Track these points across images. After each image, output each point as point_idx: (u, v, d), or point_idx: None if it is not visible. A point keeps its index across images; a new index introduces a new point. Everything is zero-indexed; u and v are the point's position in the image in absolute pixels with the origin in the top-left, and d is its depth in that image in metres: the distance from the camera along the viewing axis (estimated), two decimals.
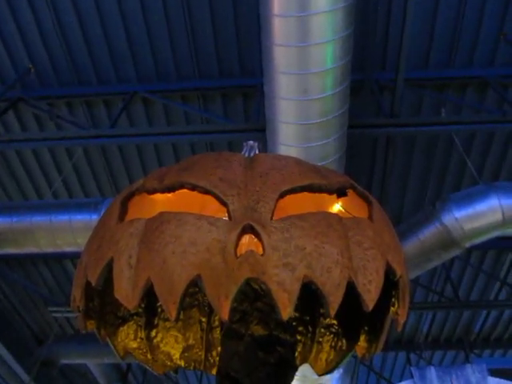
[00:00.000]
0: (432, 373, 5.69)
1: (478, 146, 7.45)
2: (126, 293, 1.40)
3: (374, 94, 6.68)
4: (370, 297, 1.40)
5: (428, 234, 6.08)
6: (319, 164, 5.00)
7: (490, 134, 7.30)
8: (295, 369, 1.77)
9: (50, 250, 6.74)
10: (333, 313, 1.33)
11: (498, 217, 5.77)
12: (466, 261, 8.99)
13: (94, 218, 6.19)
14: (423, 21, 6.35)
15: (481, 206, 5.80)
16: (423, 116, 7.05)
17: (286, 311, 1.29)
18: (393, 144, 6.50)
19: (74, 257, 8.98)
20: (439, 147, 7.47)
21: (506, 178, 7.60)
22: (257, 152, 2.15)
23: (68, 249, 6.63)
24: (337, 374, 7.45)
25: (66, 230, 6.37)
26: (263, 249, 1.35)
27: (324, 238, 1.38)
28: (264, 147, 5.56)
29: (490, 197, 5.81)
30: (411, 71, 6.55)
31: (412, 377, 5.78)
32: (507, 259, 9.11)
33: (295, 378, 1.81)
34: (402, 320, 1.68)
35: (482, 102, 7.03)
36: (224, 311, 1.29)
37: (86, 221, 6.25)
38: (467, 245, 6.07)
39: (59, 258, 9.16)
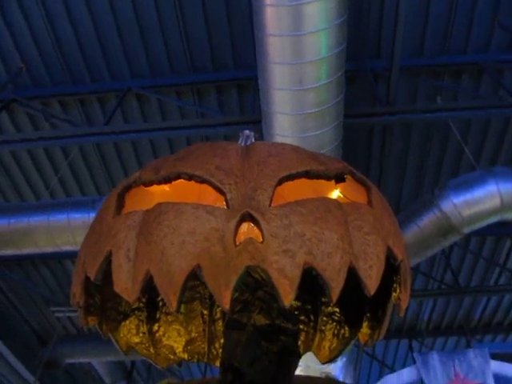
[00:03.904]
0: (435, 358, 5.72)
1: (474, 132, 7.44)
2: (126, 286, 1.39)
3: (369, 82, 6.65)
4: (371, 282, 1.39)
5: (427, 221, 6.08)
6: (320, 152, 4.99)
7: (486, 120, 7.29)
8: (298, 357, 1.76)
9: (49, 249, 6.72)
10: (335, 298, 1.32)
11: (497, 202, 5.77)
12: (465, 247, 9.00)
13: (92, 216, 6.11)
14: (417, 8, 6.32)
15: (479, 192, 5.80)
16: (419, 104, 7.03)
17: (288, 298, 1.27)
18: (389, 133, 6.49)
19: (74, 256, 8.92)
20: (436, 134, 7.46)
21: (503, 163, 7.60)
22: (253, 141, 2.13)
23: (67, 248, 6.62)
24: (340, 362, 7.49)
25: (64, 229, 6.35)
26: (262, 236, 1.33)
27: (323, 224, 1.37)
28: (260, 139, 5.54)
29: (488, 182, 5.81)
30: (406, 59, 6.53)
31: (415, 363, 5.80)
32: (506, 245, 9.13)
33: (298, 368, 1.81)
34: (404, 305, 1.67)
35: (478, 88, 7.01)
36: (225, 301, 1.28)
37: (84, 219, 6.23)
38: (466, 231, 6.08)
39: (59, 257, 9.15)
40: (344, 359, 7.49)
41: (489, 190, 5.80)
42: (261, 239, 1.33)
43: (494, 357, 5.89)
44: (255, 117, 5.88)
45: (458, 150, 7.45)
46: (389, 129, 6.43)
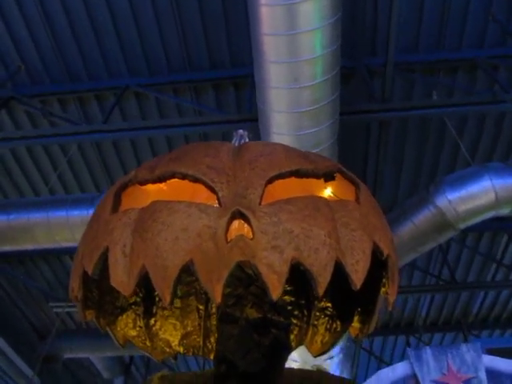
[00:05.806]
0: (428, 353, 5.78)
1: (470, 128, 7.47)
2: (122, 280, 1.45)
3: (364, 79, 6.69)
4: (357, 276, 1.45)
5: (422, 217, 6.13)
6: (312, 151, 5.04)
7: (481, 116, 7.33)
8: (289, 350, 1.82)
9: (48, 246, 6.78)
10: (321, 292, 1.37)
11: (491, 197, 5.81)
12: (462, 243, 9.05)
13: (91, 213, 6.20)
14: (411, 4, 6.35)
15: (473, 188, 5.85)
16: (415, 100, 7.07)
17: (276, 292, 1.33)
18: (385, 129, 6.53)
19: (73, 252, 8.94)
20: (432, 131, 7.49)
21: (499, 158, 7.63)
22: (247, 140, 2.19)
23: (66, 244, 6.67)
24: (337, 358, 7.53)
25: (63, 226, 6.40)
26: (253, 233, 1.39)
27: (311, 221, 1.43)
28: (257, 137, 5.59)
29: (482, 178, 5.86)
30: (401, 55, 6.56)
31: (409, 358, 5.86)
32: (503, 240, 9.18)
33: (296, 364, 1.86)
34: (392, 298, 1.73)
35: (473, 84, 7.05)
36: (217, 294, 1.34)
37: (83, 216, 6.28)
38: (462, 226, 6.12)
39: (58, 253, 9.20)
40: (341, 355, 7.52)
41: (483, 185, 5.84)
42: (251, 236, 1.39)
43: (492, 352, 5.94)
44: (252, 115, 5.92)
45: (454, 146, 7.49)
46: (385, 125, 6.47)
